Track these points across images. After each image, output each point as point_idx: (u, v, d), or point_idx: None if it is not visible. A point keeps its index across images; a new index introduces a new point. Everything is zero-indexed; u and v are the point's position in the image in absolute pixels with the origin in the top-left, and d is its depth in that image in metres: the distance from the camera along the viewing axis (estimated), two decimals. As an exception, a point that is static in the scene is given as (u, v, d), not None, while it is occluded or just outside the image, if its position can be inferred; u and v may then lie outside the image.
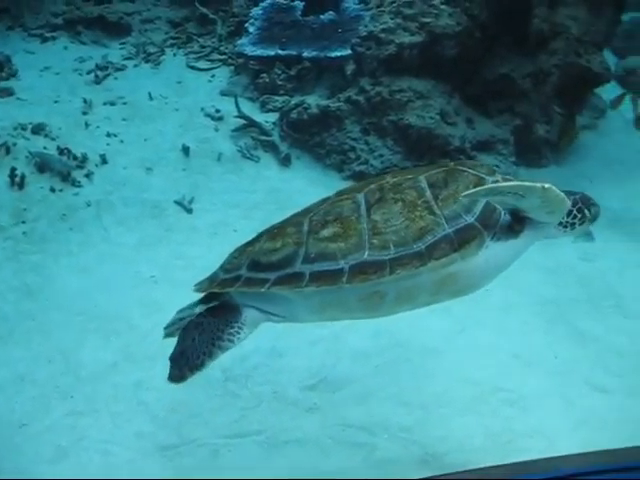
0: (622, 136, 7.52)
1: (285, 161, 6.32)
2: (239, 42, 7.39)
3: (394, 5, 6.39)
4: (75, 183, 5.91)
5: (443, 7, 6.23)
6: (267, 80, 7.06)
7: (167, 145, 6.52)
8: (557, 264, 5.31)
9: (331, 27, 7.26)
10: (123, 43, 8.20)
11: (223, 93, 7.23)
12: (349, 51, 6.64)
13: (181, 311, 3.08)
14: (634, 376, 4.37)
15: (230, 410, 3.96)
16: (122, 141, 6.55)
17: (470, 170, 2.80)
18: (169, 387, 4.02)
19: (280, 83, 7.02)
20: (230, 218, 5.68)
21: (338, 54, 6.90)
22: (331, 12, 7.45)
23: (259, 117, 6.78)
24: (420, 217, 2.67)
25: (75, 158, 6.11)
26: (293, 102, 6.65)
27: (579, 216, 2.90)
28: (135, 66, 7.82)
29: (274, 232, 2.89)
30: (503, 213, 2.70)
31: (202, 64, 7.74)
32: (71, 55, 7.94)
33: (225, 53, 7.78)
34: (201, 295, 3.00)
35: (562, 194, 2.59)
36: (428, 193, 2.72)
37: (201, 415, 3.91)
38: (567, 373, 4.34)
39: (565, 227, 2.90)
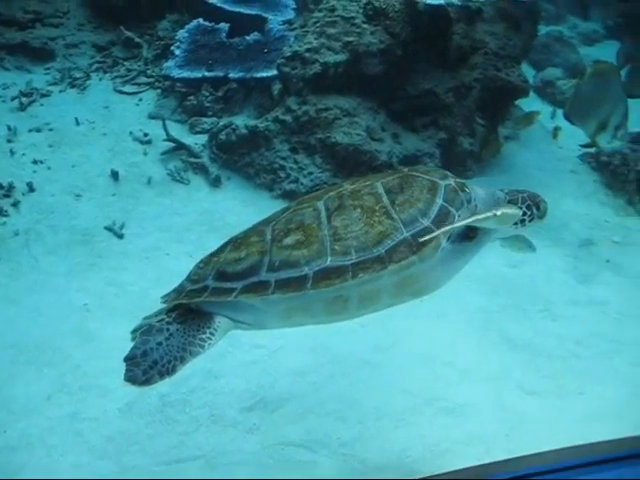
0: (543, 146, 7.79)
1: (216, 182, 6.31)
2: (165, 65, 7.36)
3: (318, 25, 6.48)
4: (2, 212, 5.78)
5: (365, 26, 6.36)
6: (195, 102, 7.05)
7: (96, 171, 6.44)
8: (485, 272, 5.45)
9: (256, 48, 7.31)
10: (48, 69, 8.05)
11: (151, 116, 7.18)
12: (275, 71, 6.69)
13: (148, 317, 3.06)
14: (564, 377, 4.54)
15: (169, 436, 3.93)
16: (49, 168, 6.44)
17: (424, 175, 2.95)
18: (106, 417, 4.01)
19: (208, 105, 7.03)
20: (162, 242, 5.63)
21: (264, 74, 6.95)
22: (256, 33, 7.50)
23: (188, 139, 6.76)
24: (379, 222, 2.80)
25: (1, 187, 5.99)
26: (221, 123, 6.65)
27: (528, 213, 3.08)
28: (61, 92, 7.69)
29: (238, 242, 2.95)
30: (457, 215, 2.86)
31: (129, 88, 7.67)
32: (-7, 82, 7.79)
33: (152, 76, 7.72)
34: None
35: (514, 210, 2.86)
36: (385, 199, 2.86)
37: (139, 443, 3.87)
38: (500, 379, 4.47)
39: (516, 224, 3.06)
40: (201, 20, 7.68)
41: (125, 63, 8.00)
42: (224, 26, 7.60)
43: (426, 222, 2.79)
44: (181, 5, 8.10)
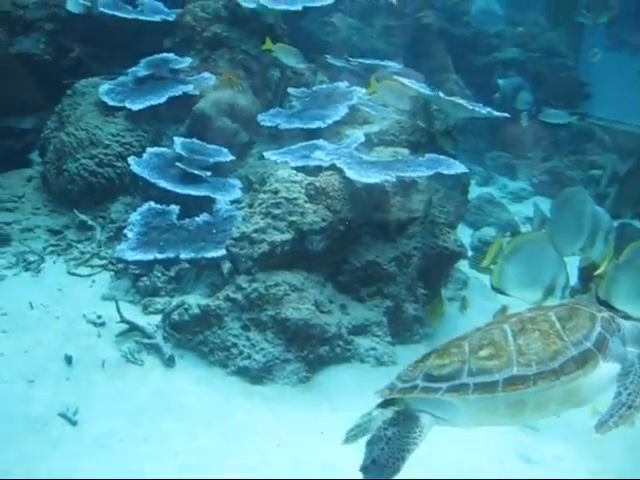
0: (484, 302, 8.13)
1: (170, 362, 6.39)
2: (118, 248, 7.59)
3: (263, 206, 6.88)
4: (-48, 404, 5.75)
5: (307, 206, 6.79)
6: (148, 283, 7.26)
7: (49, 355, 6.46)
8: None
9: (206, 229, 7.66)
10: (3, 253, 8.20)
11: (105, 298, 7.32)
12: (224, 251, 6.99)
13: (362, 417, 3.69)
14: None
15: None
16: (2, 354, 6.45)
17: (584, 307, 3.73)
18: None
19: (160, 285, 7.24)
20: (117, 426, 5.60)
21: (214, 254, 7.24)
22: (205, 214, 7.88)
23: (142, 320, 6.89)
24: (553, 342, 3.53)
25: (-48, 379, 5.97)
26: (174, 303, 6.82)
27: None
28: (15, 275, 7.81)
29: (440, 352, 3.66)
30: (611, 340, 3.57)
31: (82, 270, 7.85)
32: (-56, 269, 7.89)
33: (105, 258, 7.95)
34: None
35: None
36: (558, 325, 3.60)
37: None
38: None
39: None
40: (152, 203, 8.03)
41: (79, 246, 8.23)
42: (174, 208, 7.96)
43: (588, 344, 3.52)
44: (133, 189, 8.48)
